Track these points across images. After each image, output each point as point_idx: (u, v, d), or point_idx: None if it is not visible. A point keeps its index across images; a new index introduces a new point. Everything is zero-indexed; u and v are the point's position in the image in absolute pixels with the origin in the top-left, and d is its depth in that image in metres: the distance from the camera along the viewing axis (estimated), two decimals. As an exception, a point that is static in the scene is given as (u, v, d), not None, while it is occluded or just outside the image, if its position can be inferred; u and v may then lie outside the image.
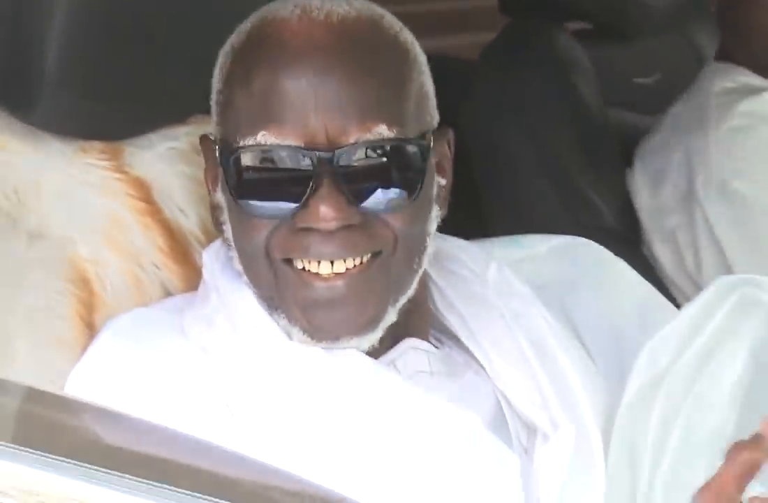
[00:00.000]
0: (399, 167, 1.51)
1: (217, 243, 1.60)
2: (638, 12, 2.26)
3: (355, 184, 1.48)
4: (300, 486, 1.16)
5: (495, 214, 1.94)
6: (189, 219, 1.68)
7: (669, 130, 2.22)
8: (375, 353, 1.53)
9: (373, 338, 1.51)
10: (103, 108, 1.65)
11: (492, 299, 1.62)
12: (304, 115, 1.47)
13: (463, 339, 1.61)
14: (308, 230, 1.47)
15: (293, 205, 1.47)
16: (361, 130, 1.48)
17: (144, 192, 1.65)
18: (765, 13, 2.20)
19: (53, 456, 1.16)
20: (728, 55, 2.27)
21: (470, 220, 1.70)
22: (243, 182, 1.50)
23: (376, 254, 1.49)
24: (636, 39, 2.34)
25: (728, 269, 2.10)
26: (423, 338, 1.59)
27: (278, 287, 1.50)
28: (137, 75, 1.64)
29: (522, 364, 1.59)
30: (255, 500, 1.14)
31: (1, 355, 1.49)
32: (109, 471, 1.13)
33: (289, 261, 1.49)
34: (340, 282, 1.50)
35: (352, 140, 1.48)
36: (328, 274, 1.49)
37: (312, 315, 1.50)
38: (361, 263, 1.49)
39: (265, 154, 1.50)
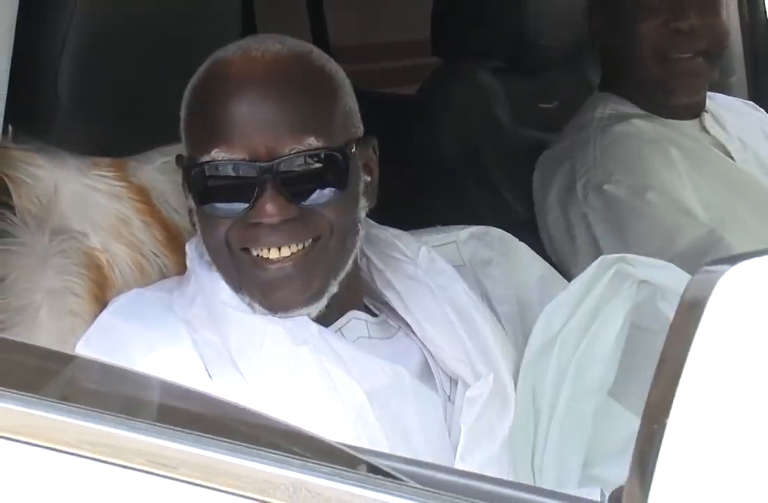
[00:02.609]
0: (328, 170, 1.47)
1: (197, 237, 1.55)
2: (540, 53, 2.24)
3: (292, 185, 1.45)
4: (262, 419, 1.13)
5: (431, 207, 1.86)
6: (181, 217, 1.63)
7: (561, 144, 2.18)
8: (325, 323, 1.49)
9: (320, 306, 1.48)
10: (110, 131, 1.60)
11: (421, 276, 1.58)
12: (248, 135, 1.45)
13: (398, 310, 1.57)
14: (257, 224, 1.45)
15: (244, 205, 1.45)
16: (294, 142, 1.44)
17: (145, 196, 1.62)
18: (633, 57, 2.14)
19: (65, 403, 1.13)
20: (608, 86, 2.22)
21: (410, 212, 1.64)
22: (203, 190, 1.47)
23: (316, 239, 1.46)
24: (540, 73, 2.30)
25: (598, 251, 2.05)
26: (362, 310, 1.55)
27: (239, 271, 1.47)
28: (137, 104, 1.59)
29: (447, 327, 1.55)
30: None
31: (29, 325, 1.45)
32: (104, 411, 1.10)
33: (246, 250, 1.46)
34: (288, 264, 1.46)
35: (287, 151, 1.44)
36: (277, 258, 1.46)
37: (268, 292, 1.47)
38: (304, 247, 1.46)
39: (218, 167, 1.46)
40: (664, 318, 1.61)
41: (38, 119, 1.51)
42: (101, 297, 1.53)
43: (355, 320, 1.53)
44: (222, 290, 1.49)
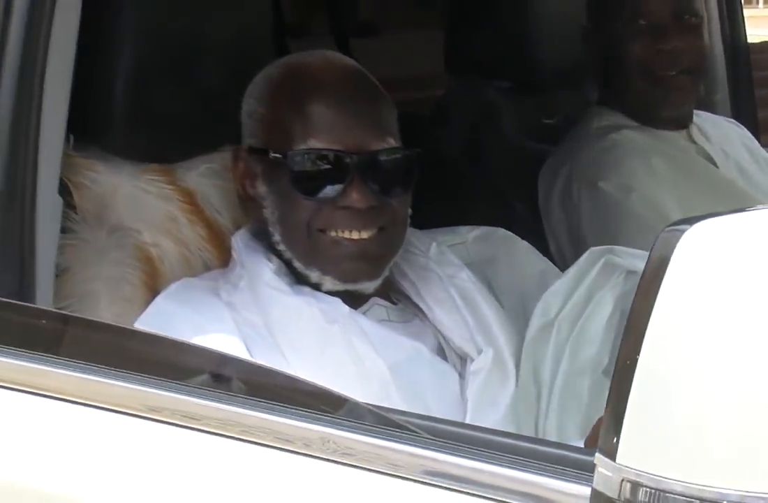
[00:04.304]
0: (403, 167, 1.52)
1: (242, 231, 1.57)
2: (542, 73, 2.25)
3: (375, 178, 1.49)
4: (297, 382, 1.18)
5: (446, 211, 1.88)
6: (222, 216, 1.64)
7: (561, 153, 2.17)
8: (353, 306, 1.51)
9: (377, 283, 1.52)
10: (160, 140, 1.62)
11: (432, 267, 1.60)
12: (342, 129, 1.49)
13: (412, 296, 1.59)
14: (345, 208, 1.48)
15: (334, 191, 1.48)
16: (379, 140, 1.50)
17: (190, 198, 1.63)
18: (625, 75, 2.14)
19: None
20: (603, 101, 2.21)
21: (427, 214, 1.67)
22: (295, 175, 1.49)
23: (382, 228, 1.50)
24: (542, 92, 2.30)
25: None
26: (384, 298, 1.57)
27: (314, 249, 1.50)
28: (183, 116, 1.61)
29: (454, 311, 1.58)
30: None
31: (91, 310, 1.46)
32: (168, 380, 1.15)
33: (322, 231, 1.49)
34: (362, 244, 1.50)
35: (373, 148, 1.49)
36: (357, 238, 1.49)
37: (342, 267, 1.50)
38: (374, 233, 1.50)
39: (313, 155, 1.49)
40: (650, 305, 1.67)
41: (97, 130, 1.53)
42: (152, 286, 1.54)
43: (377, 306, 1.55)
44: (265, 274, 1.50)
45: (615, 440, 0.77)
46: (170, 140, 1.62)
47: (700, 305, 0.78)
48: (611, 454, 0.78)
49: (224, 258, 1.60)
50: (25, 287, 1.28)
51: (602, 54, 2.15)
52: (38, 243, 1.30)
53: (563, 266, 1.80)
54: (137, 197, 1.58)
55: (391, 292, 1.59)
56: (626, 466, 0.77)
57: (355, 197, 1.46)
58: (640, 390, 0.77)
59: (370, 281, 1.50)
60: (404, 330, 1.55)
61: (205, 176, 1.65)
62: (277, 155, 1.50)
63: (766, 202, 2.21)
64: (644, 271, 0.81)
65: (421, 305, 1.58)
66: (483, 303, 1.59)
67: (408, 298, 1.59)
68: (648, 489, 0.76)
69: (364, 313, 1.54)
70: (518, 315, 1.64)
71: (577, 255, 1.93)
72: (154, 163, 1.62)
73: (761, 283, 0.76)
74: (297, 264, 1.50)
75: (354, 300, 1.52)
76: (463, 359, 1.56)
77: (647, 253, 1.63)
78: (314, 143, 1.48)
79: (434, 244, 1.62)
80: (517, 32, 2.18)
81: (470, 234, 1.74)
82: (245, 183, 1.55)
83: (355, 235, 1.48)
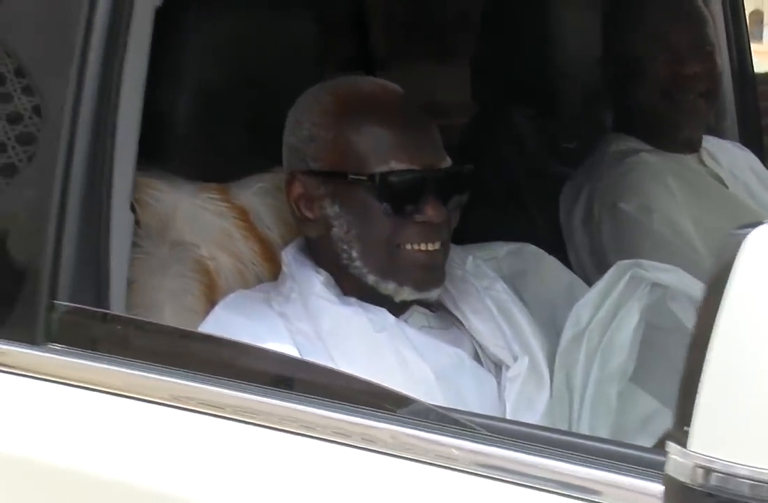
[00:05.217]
0: (462, 183, 1.54)
1: (290, 246, 1.59)
2: (563, 101, 2.27)
3: (444, 193, 1.51)
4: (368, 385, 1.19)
5: (478, 228, 1.89)
6: (273, 233, 1.65)
7: (581, 175, 2.19)
8: (396, 314, 1.53)
9: (440, 290, 1.54)
10: (216, 161, 1.64)
11: (469, 279, 1.62)
12: (417, 150, 1.50)
13: (449, 306, 1.61)
14: (423, 223, 1.49)
15: (413, 207, 1.49)
16: (443, 158, 1.52)
17: (244, 215, 1.63)
18: (644, 100, 2.17)
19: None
20: (619, 127, 2.24)
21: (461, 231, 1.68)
22: (384, 193, 1.49)
23: (443, 240, 1.53)
24: (563, 118, 2.31)
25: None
26: (422, 306, 1.58)
27: (393, 262, 1.50)
28: (238, 139, 1.63)
29: (490, 320, 1.60)
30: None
31: (155, 319, 1.47)
32: (239, 381, 1.18)
33: (400, 245, 1.50)
34: (434, 254, 1.52)
35: (440, 165, 1.51)
36: (432, 250, 1.51)
37: (418, 276, 1.51)
38: (441, 245, 1.52)
39: (396, 175, 1.49)
40: (674, 317, 1.65)
41: (159, 151, 1.54)
42: (211, 298, 1.55)
43: (417, 313, 1.57)
44: (315, 285, 1.51)
45: (686, 429, 0.81)
46: (225, 161, 1.64)
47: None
48: (683, 442, 0.81)
49: (274, 272, 1.61)
50: (102, 296, 1.30)
51: (621, 81, 2.17)
52: (113, 256, 1.32)
53: (584, 280, 1.83)
54: (196, 214, 1.60)
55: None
56: (698, 453, 0.80)
57: (432, 213, 1.48)
58: (711, 382, 0.80)
59: (438, 288, 1.53)
60: (443, 337, 1.57)
61: (257, 194, 1.66)
62: (359, 177, 1.50)
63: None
64: (712, 271, 0.83)
65: (458, 314, 1.60)
66: (518, 313, 1.61)
67: (445, 307, 1.61)
68: (719, 474, 0.80)
69: (405, 320, 1.56)
70: (547, 325, 1.66)
71: (598, 270, 1.95)
72: (211, 182, 1.64)
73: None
74: (371, 277, 1.51)
75: (397, 309, 1.54)
76: (498, 366, 1.58)
77: (670, 267, 1.68)
78: (395, 164, 1.49)
79: (471, 258, 1.65)
80: (540, 63, 2.19)
81: (502, 250, 1.76)
82: (300, 204, 1.54)
83: (430, 246, 1.51)
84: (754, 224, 0.82)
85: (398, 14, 2.54)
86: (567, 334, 1.59)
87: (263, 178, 1.67)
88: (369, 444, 1.09)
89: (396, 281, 1.50)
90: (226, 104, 1.61)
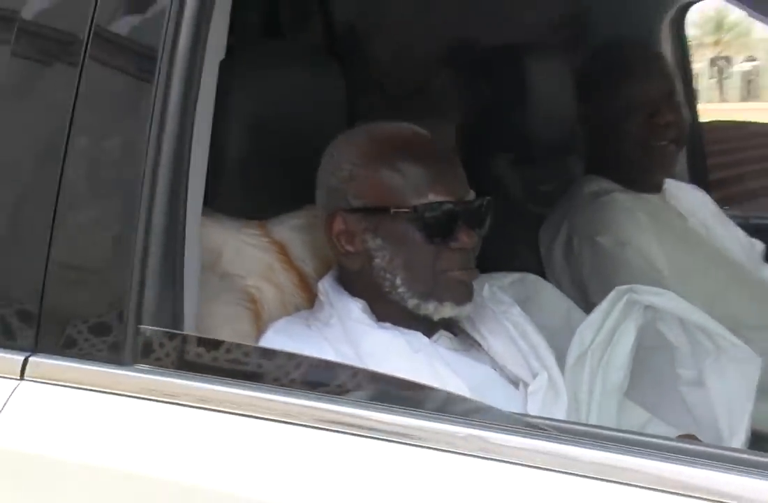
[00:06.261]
0: (487, 212, 1.59)
1: (327, 277, 1.63)
2: (540, 148, 2.34)
3: (473, 222, 1.56)
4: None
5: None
6: (308, 266, 1.70)
7: (559, 214, 2.27)
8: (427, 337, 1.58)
9: (472, 306, 1.59)
10: (256, 200, 1.68)
11: (487, 304, 1.68)
12: (450, 184, 1.55)
13: (469, 330, 1.65)
14: (459, 249, 1.55)
15: (450, 236, 1.54)
16: (468, 191, 1.57)
17: (283, 249, 1.68)
18: (619, 146, 2.24)
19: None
20: (592, 170, 2.31)
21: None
22: (426, 224, 1.53)
23: None
24: (540, 163, 2.38)
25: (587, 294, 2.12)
26: (449, 330, 1.64)
27: (434, 285, 1.54)
28: (275, 181, 1.67)
29: (508, 341, 1.65)
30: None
31: None
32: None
33: (439, 271, 1.54)
34: (470, 274, 1.58)
35: (468, 197, 1.56)
36: (469, 272, 1.57)
37: (458, 293, 1.56)
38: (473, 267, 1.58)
39: (435, 206, 1.52)
40: (662, 337, 1.75)
41: (206, 191, 1.56)
42: (258, 324, 1.60)
43: (444, 337, 1.63)
44: (354, 311, 1.57)
45: None
46: (264, 200, 1.69)
47: None
48: None
49: (311, 301, 1.67)
50: (177, 321, 1.35)
51: (598, 131, 2.26)
52: (186, 286, 1.37)
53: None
54: (241, 249, 1.65)
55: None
56: None
57: (466, 240, 1.54)
58: None
59: (471, 303, 1.58)
60: (468, 357, 1.62)
61: (292, 230, 1.72)
62: (403, 210, 1.53)
63: (732, 252, 2.35)
64: None
65: (477, 337, 1.66)
66: (534, 333, 1.68)
67: (465, 331, 1.67)
68: None
69: (434, 342, 1.60)
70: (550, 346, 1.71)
71: (579, 298, 2.05)
72: (252, 219, 1.69)
73: None
74: (412, 301, 1.55)
75: (427, 332, 1.60)
76: (515, 383, 1.63)
77: (662, 290, 1.75)
78: (433, 197, 1.53)
79: (487, 286, 1.72)
80: (519, 115, 2.26)
81: (506, 279, 1.85)
82: (342, 239, 1.58)
83: (466, 270, 1.57)
84: None
85: (389, 75, 2.61)
86: (573, 353, 1.66)
87: (296, 215, 1.73)
88: (452, 447, 1.14)
89: (437, 300, 1.55)
90: (264, 150, 1.65)
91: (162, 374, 1.31)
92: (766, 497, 1.01)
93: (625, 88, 2.21)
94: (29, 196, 1.41)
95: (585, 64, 2.31)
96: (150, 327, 1.32)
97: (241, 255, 1.64)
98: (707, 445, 1.16)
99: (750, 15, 1.01)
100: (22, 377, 1.38)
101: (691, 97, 2.66)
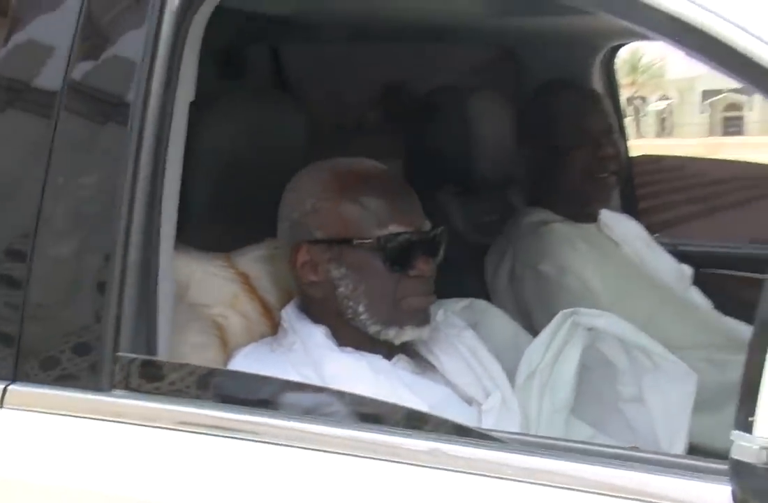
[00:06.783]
0: (442, 242, 1.63)
1: (290, 305, 1.65)
2: (484, 181, 2.37)
3: (430, 251, 1.60)
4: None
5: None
6: (271, 295, 1.71)
7: (502, 243, 2.31)
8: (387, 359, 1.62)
9: (430, 328, 1.62)
10: (222, 234, 1.71)
11: (441, 328, 1.71)
12: (409, 214, 1.59)
13: (424, 353, 1.69)
14: (418, 277, 1.58)
15: (409, 264, 1.57)
16: (425, 222, 1.61)
17: (247, 280, 1.70)
18: (562, 178, 2.30)
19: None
20: (534, 202, 2.36)
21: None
22: (387, 253, 1.56)
23: None
24: (484, 196, 2.42)
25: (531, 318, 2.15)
26: (406, 354, 1.66)
27: (394, 312, 1.58)
28: (239, 216, 1.70)
29: (462, 363, 1.68)
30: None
31: None
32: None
33: (400, 298, 1.58)
34: (428, 300, 1.61)
35: (426, 228, 1.60)
36: (427, 297, 1.61)
37: (417, 318, 1.59)
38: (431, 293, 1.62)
39: (396, 236, 1.56)
40: (603, 357, 1.80)
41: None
42: (225, 350, 1.62)
43: (402, 360, 1.66)
44: (317, 337, 1.59)
45: (750, 419, 0.90)
46: (230, 234, 1.73)
47: None
48: (747, 429, 0.90)
49: (274, 328, 1.70)
50: (152, 348, 1.38)
51: (540, 164, 2.32)
52: (160, 315, 1.40)
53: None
54: (207, 279, 1.67)
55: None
56: (763, 438, 0.90)
57: (425, 268, 1.58)
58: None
59: (429, 326, 1.62)
60: (426, 379, 1.65)
61: (256, 261, 1.74)
62: (365, 240, 1.56)
63: (662, 277, 2.42)
64: (765, 286, 0.92)
65: (432, 359, 1.69)
66: (486, 355, 1.72)
67: (420, 355, 1.70)
68: None
69: (394, 364, 1.64)
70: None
71: (524, 322, 2.08)
72: (219, 251, 1.72)
73: None
74: (373, 327, 1.58)
75: (387, 356, 1.63)
76: (470, 402, 1.66)
77: (603, 312, 1.80)
78: (394, 228, 1.57)
79: (441, 310, 1.75)
80: (465, 149, 2.30)
81: (458, 304, 1.89)
82: (306, 270, 1.60)
83: (425, 296, 1.61)
84: None
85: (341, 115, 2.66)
86: (522, 373, 1.70)
87: (259, 247, 1.76)
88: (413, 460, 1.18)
89: (398, 326, 1.59)
90: (229, 185, 1.69)
91: (139, 399, 1.34)
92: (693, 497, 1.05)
93: (569, 124, 2.28)
94: (10, 230, 1.44)
95: (528, 102, 2.38)
96: (127, 354, 1.35)
97: (207, 285, 1.66)
98: (646, 452, 1.20)
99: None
100: (1, 405, 1.40)
101: (623, 132, 2.73)
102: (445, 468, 1.17)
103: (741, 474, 0.92)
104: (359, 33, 2.34)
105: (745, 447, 0.91)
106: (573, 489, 1.11)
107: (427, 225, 1.62)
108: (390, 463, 1.19)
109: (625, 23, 1.17)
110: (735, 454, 0.92)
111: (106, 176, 1.39)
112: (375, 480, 1.21)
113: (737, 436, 0.92)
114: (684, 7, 1.10)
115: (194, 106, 1.45)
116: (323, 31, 2.29)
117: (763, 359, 0.90)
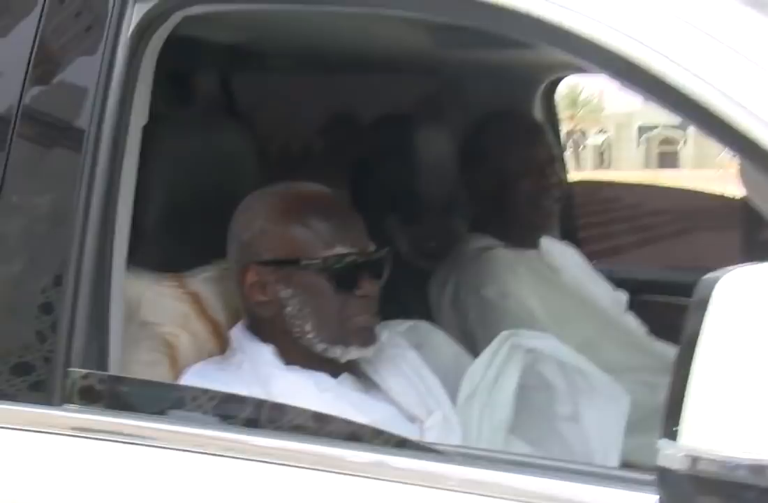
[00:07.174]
0: (385, 264, 1.65)
1: (239, 325, 1.67)
2: (427, 209, 2.38)
3: (374, 272, 1.62)
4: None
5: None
6: (220, 315, 1.72)
7: (446, 268, 2.31)
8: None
9: (376, 348, 1.64)
10: (172, 256, 1.72)
11: (386, 348, 1.73)
12: (354, 237, 1.62)
13: (369, 373, 1.70)
14: (363, 296, 1.61)
15: (354, 284, 1.59)
16: (370, 244, 1.63)
17: (197, 299, 1.70)
18: (507, 206, 2.33)
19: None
20: (477, 229, 2.39)
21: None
22: (334, 274, 1.58)
23: None
24: (428, 223, 2.42)
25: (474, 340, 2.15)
26: (352, 372, 1.68)
27: (340, 331, 1.60)
28: (188, 239, 1.71)
29: (405, 382, 1.70)
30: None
31: None
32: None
33: (345, 317, 1.60)
34: (373, 320, 1.63)
35: (370, 249, 1.62)
36: (372, 317, 1.63)
37: (362, 337, 1.62)
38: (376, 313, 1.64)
39: (340, 257, 1.58)
40: (542, 377, 1.83)
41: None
42: (175, 368, 1.63)
43: (347, 380, 1.68)
44: (265, 355, 1.60)
45: (675, 429, 0.93)
46: (179, 256, 1.74)
47: (738, 329, 0.92)
48: (673, 438, 0.93)
49: (222, 348, 1.71)
50: (102, 365, 1.39)
51: (484, 192, 2.35)
52: (111, 333, 1.41)
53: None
54: (158, 299, 1.68)
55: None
56: (686, 446, 0.93)
57: (370, 288, 1.61)
58: (694, 394, 0.93)
59: (375, 345, 1.65)
60: (370, 397, 1.67)
61: (206, 282, 1.75)
62: (313, 261, 1.59)
63: (599, 302, 2.46)
64: (690, 305, 0.94)
65: (376, 378, 1.71)
66: (428, 375, 1.74)
67: (365, 373, 1.72)
68: (705, 460, 0.92)
69: (339, 383, 1.65)
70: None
71: (466, 345, 2.07)
72: (169, 272, 1.72)
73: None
74: (320, 346, 1.60)
75: (333, 374, 1.65)
76: (412, 420, 1.67)
77: (545, 335, 1.82)
78: (340, 249, 1.59)
79: (386, 332, 1.77)
80: (409, 177, 2.34)
81: (402, 326, 1.90)
82: (254, 290, 1.61)
83: (370, 315, 1.63)
84: (726, 269, 0.94)
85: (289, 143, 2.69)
86: (463, 392, 1.73)
87: (208, 268, 1.77)
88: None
89: (344, 344, 1.61)
90: (178, 209, 1.71)
91: (90, 413, 1.34)
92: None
93: (513, 154, 2.32)
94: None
95: (473, 132, 2.41)
96: (78, 369, 1.35)
97: (158, 305, 1.67)
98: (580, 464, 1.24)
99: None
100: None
101: (563, 161, 2.77)
102: (387, 479, 1.19)
103: (666, 480, 0.95)
104: (308, 63, 2.37)
105: (670, 455, 0.94)
106: (509, 499, 1.14)
107: (372, 247, 1.64)
108: (333, 474, 1.21)
109: (566, 57, 1.21)
110: (661, 462, 0.95)
111: (60, 199, 1.40)
112: (318, 491, 1.22)
113: (663, 445, 0.94)
114: (623, 43, 1.13)
115: (146, 131, 1.47)
116: (273, 60, 2.32)
117: (687, 375, 0.93)
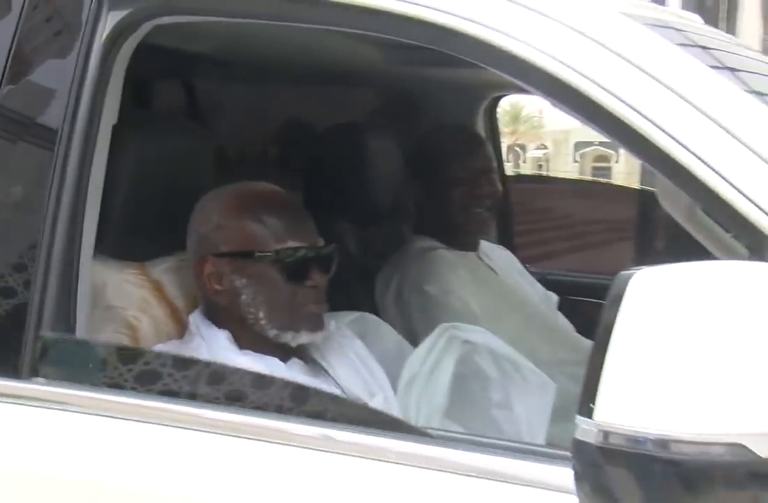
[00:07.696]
0: (332, 258, 1.69)
1: (196, 312, 1.71)
2: (373, 213, 2.43)
3: (323, 264, 1.66)
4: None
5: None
6: (179, 302, 1.76)
7: (391, 266, 2.37)
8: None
9: (323, 334, 1.68)
10: (136, 245, 1.74)
11: (333, 337, 1.79)
12: (305, 231, 1.67)
13: (317, 359, 1.76)
14: (313, 287, 1.65)
15: (305, 275, 1.64)
16: (318, 238, 1.68)
17: (158, 287, 1.74)
18: (444, 212, 2.38)
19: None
20: (419, 231, 2.44)
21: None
22: (286, 265, 1.62)
23: None
24: (375, 226, 2.47)
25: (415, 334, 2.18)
26: (300, 358, 1.72)
27: (291, 318, 1.64)
28: (151, 230, 1.74)
29: (351, 368, 1.76)
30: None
31: None
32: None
33: (296, 305, 1.64)
34: (321, 308, 1.67)
35: (319, 243, 1.66)
36: (321, 305, 1.67)
37: (312, 323, 1.66)
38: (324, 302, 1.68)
39: (293, 250, 1.62)
40: (477, 367, 1.88)
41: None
42: None
43: (296, 364, 1.73)
44: (221, 341, 1.65)
45: (591, 406, 0.98)
46: (143, 245, 1.77)
47: (648, 321, 0.96)
48: (589, 415, 0.98)
49: (180, 332, 1.75)
50: (71, 327, 1.43)
51: (426, 198, 2.42)
52: (78, 316, 1.45)
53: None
54: (122, 285, 1.72)
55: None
56: (600, 422, 0.97)
57: (318, 279, 1.66)
58: (608, 375, 0.97)
59: (323, 332, 1.70)
60: (318, 380, 1.72)
61: (167, 271, 1.79)
62: (265, 253, 1.63)
63: (532, 301, 2.52)
64: (607, 298, 0.99)
65: (324, 364, 1.77)
66: (372, 362, 1.81)
67: (313, 359, 1.77)
68: (616, 434, 0.96)
69: (289, 368, 1.70)
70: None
71: (408, 336, 2.13)
72: (132, 261, 1.76)
73: (688, 301, 0.96)
74: (272, 332, 1.65)
75: (283, 359, 1.70)
76: None
77: (478, 328, 1.88)
78: (291, 243, 1.64)
79: (333, 322, 1.82)
80: (359, 182, 2.38)
81: (348, 317, 1.96)
82: (211, 280, 1.66)
83: (319, 304, 1.68)
84: (640, 267, 0.98)
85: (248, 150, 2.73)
86: (403, 379, 1.79)
87: (167, 259, 1.81)
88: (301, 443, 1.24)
89: (294, 330, 1.66)
90: (142, 204, 1.74)
91: (62, 386, 1.38)
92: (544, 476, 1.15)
93: (451, 164, 2.38)
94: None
95: (416, 143, 2.48)
96: (49, 334, 1.38)
97: (122, 290, 1.71)
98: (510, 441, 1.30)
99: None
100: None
101: (502, 172, 2.83)
102: (334, 451, 1.24)
103: (581, 451, 0.99)
104: (267, 73, 2.41)
105: (586, 429, 0.98)
106: (445, 471, 1.20)
107: (322, 242, 1.70)
108: (282, 446, 1.25)
109: (507, 78, 1.25)
110: (577, 435, 0.99)
111: (33, 192, 1.44)
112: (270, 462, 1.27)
113: (580, 421, 0.99)
114: (558, 68, 1.19)
115: (116, 131, 1.51)
116: (235, 69, 2.36)
117: (603, 360, 0.99)
